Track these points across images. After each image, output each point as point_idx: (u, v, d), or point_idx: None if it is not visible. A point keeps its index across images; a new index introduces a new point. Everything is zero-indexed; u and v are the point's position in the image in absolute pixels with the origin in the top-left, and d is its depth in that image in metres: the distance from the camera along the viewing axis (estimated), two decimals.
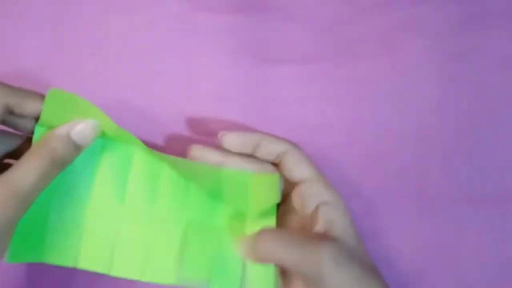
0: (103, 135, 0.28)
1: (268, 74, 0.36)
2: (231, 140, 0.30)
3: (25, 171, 0.24)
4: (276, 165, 0.31)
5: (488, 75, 0.37)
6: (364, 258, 0.27)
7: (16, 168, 0.24)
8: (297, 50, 0.37)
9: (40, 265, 0.32)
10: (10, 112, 0.26)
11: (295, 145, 0.30)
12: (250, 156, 0.31)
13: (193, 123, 0.35)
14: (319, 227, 0.28)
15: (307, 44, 0.37)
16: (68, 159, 0.26)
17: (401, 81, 0.37)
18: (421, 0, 0.38)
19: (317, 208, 0.28)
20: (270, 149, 0.30)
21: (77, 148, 0.26)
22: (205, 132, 0.35)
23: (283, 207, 0.31)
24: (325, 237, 0.27)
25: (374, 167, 0.35)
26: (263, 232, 0.27)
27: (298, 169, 0.29)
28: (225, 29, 0.37)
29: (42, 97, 0.27)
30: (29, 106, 0.26)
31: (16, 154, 0.28)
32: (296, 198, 0.30)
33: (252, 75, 0.36)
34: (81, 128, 0.26)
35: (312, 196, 0.29)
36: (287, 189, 0.31)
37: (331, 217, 0.28)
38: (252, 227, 0.29)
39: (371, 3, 0.38)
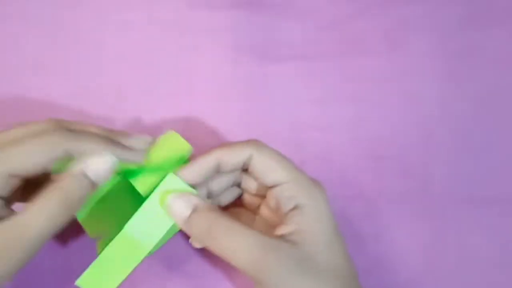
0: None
1: (268, 72, 0.36)
2: (189, 178, 0.27)
3: (33, 215, 0.23)
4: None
5: (490, 74, 0.37)
6: (332, 267, 0.25)
7: (25, 210, 0.23)
8: (298, 48, 0.37)
9: (40, 265, 0.32)
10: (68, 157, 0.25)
11: (258, 146, 0.27)
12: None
13: (192, 122, 0.35)
14: (283, 230, 0.26)
15: (308, 42, 0.37)
16: (82, 198, 0.25)
17: (403, 80, 0.37)
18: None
19: (289, 211, 0.27)
20: (231, 162, 0.27)
21: (92, 185, 0.25)
22: (204, 131, 0.35)
23: (259, 210, 0.30)
24: (280, 243, 0.25)
25: (375, 167, 0.35)
26: (217, 218, 0.25)
27: (268, 174, 0.27)
28: (225, 27, 0.37)
29: (101, 140, 0.26)
30: (86, 151, 0.25)
31: None
32: (270, 201, 0.28)
33: (251, 73, 0.36)
34: (96, 164, 0.25)
35: (286, 199, 0.27)
36: (262, 190, 0.29)
37: (301, 221, 0.26)
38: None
39: (372, 1, 0.38)
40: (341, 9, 0.37)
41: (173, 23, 0.37)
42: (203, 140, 0.35)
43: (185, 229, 0.26)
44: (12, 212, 0.25)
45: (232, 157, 0.27)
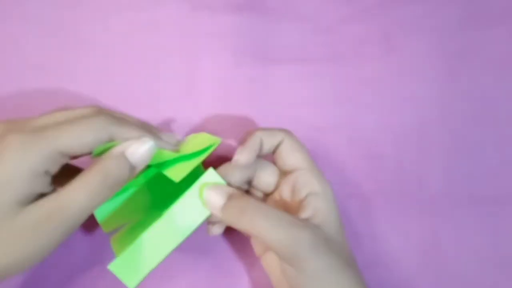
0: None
1: (268, 74, 0.36)
2: (245, 160, 0.29)
3: (74, 191, 0.24)
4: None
5: (488, 74, 0.37)
6: (343, 249, 0.28)
7: (68, 187, 0.24)
8: (298, 50, 0.37)
9: (40, 267, 0.33)
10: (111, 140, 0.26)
11: (288, 133, 0.31)
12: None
13: (194, 123, 0.35)
14: (304, 214, 0.28)
15: (307, 44, 0.37)
16: (121, 180, 0.26)
17: (401, 80, 0.37)
18: (421, 0, 0.38)
19: (306, 197, 0.29)
20: (270, 143, 0.30)
21: (131, 169, 0.26)
22: (205, 132, 0.35)
23: (272, 196, 0.32)
24: (307, 223, 0.27)
25: (374, 167, 0.36)
26: (250, 202, 0.27)
27: (291, 157, 0.30)
28: (226, 30, 0.37)
29: (141, 128, 0.27)
30: (128, 136, 0.27)
31: None
32: (286, 186, 0.30)
33: (252, 75, 0.36)
34: (136, 148, 0.26)
35: (303, 185, 0.29)
36: (278, 179, 0.32)
37: (317, 207, 0.28)
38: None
39: (371, 3, 0.38)
40: (340, 11, 0.37)
41: (175, 26, 0.36)
42: None
43: (221, 216, 0.28)
44: (55, 190, 0.26)
45: (270, 139, 0.30)
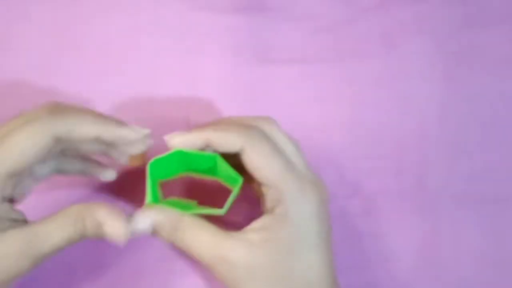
0: None
1: (268, 74, 0.36)
2: (176, 142, 0.26)
3: (52, 233, 0.23)
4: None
5: (488, 74, 0.37)
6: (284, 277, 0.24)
7: (45, 225, 0.23)
8: (297, 50, 0.37)
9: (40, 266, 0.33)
10: (101, 142, 0.25)
11: (251, 139, 0.25)
12: None
13: (194, 123, 0.35)
14: (253, 224, 0.25)
15: (307, 44, 0.37)
16: (99, 236, 0.24)
17: (401, 81, 0.37)
18: (421, 0, 0.38)
19: (267, 212, 0.26)
20: (223, 147, 0.26)
21: (102, 235, 0.25)
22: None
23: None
24: (235, 241, 0.24)
25: (374, 167, 0.36)
26: (182, 216, 0.25)
27: (255, 172, 0.26)
28: (226, 29, 0.37)
29: (89, 115, 0.25)
30: (80, 132, 0.25)
31: None
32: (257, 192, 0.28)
33: (252, 75, 0.36)
34: (109, 229, 0.24)
35: (267, 200, 0.26)
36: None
37: (268, 226, 0.25)
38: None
39: (371, 3, 0.38)
40: (339, 12, 0.37)
41: (174, 26, 0.36)
42: None
43: (161, 237, 0.26)
44: (19, 214, 0.25)
45: (222, 145, 0.26)
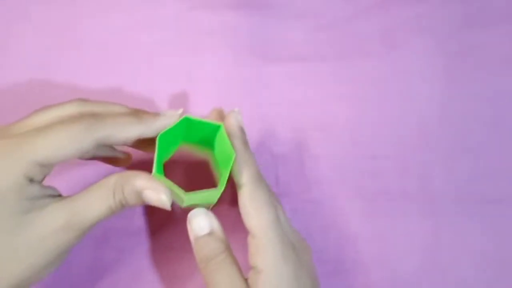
0: None
1: (268, 73, 0.36)
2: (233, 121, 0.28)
3: (94, 204, 0.24)
4: None
5: (489, 74, 0.37)
6: None
7: (86, 197, 0.24)
8: (298, 48, 0.37)
9: None
10: (102, 144, 0.25)
11: (255, 179, 0.27)
12: None
13: None
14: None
15: (308, 43, 0.37)
16: (133, 206, 0.26)
17: (402, 80, 0.37)
18: None
19: (251, 271, 0.26)
20: (233, 171, 0.27)
21: (142, 202, 0.25)
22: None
23: None
24: None
25: (374, 166, 0.35)
26: (223, 255, 0.26)
27: (249, 218, 0.26)
28: (226, 28, 0.37)
29: (127, 120, 0.26)
30: (121, 136, 0.25)
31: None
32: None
33: (252, 74, 0.36)
34: (153, 195, 0.25)
35: (250, 252, 0.26)
36: None
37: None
38: None
39: (372, 2, 0.38)
40: (340, 10, 0.37)
41: (174, 24, 0.36)
42: None
43: (194, 244, 0.27)
44: (53, 190, 0.26)
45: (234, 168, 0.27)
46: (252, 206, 0.26)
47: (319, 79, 0.36)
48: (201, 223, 0.26)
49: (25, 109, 0.34)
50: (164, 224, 0.34)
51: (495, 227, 0.35)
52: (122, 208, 0.25)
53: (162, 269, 0.33)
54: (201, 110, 0.36)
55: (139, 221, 0.34)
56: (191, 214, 0.27)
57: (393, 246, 0.34)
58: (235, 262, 0.26)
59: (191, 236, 0.27)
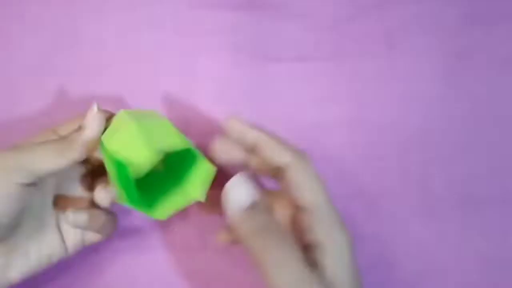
0: None
1: (268, 73, 0.36)
2: (234, 125, 0.27)
3: (43, 157, 0.27)
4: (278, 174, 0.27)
5: (489, 74, 0.37)
6: None
7: (35, 149, 0.27)
8: (298, 48, 0.37)
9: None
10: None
11: (301, 155, 0.26)
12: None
13: (193, 122, 0.35)
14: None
15: (308, 43, 0.37)
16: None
17: (402, 80, 0.37)
18: None
19: (312, 247, 0.25)
20: (269, 156, 0.26)
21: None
22: (204, 131, 0.35)
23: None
24: (318, 282, 0.24)
25: (375, 167, 0.35)
26: (273, 225, 0.24)
27: (303, 193, 0.25)
28: (225, 27, 0.37)
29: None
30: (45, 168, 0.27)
31: None
32: (296, 225, 0.26)
33: (252, 73, 0.36)
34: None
35: (306, 229, 0.25)
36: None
37: (325, 264, 0.24)
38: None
39: (372, 2, 0.38)
40: (341, 10, 0.37)
41: (173, 24, 0.36)
42: (203, 140, 0.35)
43: (234, 219, 0.25)
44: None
45: (271, 152, 0.26)
46: (305, 181, 0.25)
47: (319, 79, 0.36)
48: (242, 195, 0.25)
49: (26, 109, 0.35)
50: (164, 224, 0.34)
51: (496, 227, 0.35)
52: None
53: (162, 269, 0.33)
54: (201, 110, 0.36)
55: (138, 221, 0.34)
56: (228, 186, 0.25)
57: (393, 245, 0.34)
58: (289, 233, 0.25)
59: (230, 211, 0.25)
